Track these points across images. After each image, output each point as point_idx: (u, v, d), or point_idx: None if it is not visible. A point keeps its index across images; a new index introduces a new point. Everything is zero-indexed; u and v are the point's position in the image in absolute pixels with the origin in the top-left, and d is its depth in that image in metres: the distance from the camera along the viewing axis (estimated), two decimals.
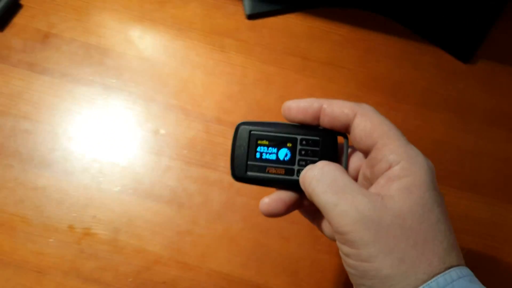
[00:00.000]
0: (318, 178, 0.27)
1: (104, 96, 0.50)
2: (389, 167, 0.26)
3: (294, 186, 0.30)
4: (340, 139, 0.31)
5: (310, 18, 0.54)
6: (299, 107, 0.30)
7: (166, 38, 0.52)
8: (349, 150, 0.31)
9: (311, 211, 0.33)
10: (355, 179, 0.31)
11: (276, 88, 0.52)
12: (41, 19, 0.52)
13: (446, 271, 0.24)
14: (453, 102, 0.53)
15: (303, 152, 0.30)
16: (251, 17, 0.53)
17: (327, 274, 0.46)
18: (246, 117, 0.51)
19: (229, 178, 0.46)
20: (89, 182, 0.48)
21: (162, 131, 0.50)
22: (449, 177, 0.51)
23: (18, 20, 0.52)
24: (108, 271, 0.46)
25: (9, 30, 0.51)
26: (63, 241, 0.47)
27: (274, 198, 0.31)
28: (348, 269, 0.26)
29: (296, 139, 0.30)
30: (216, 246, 0.47)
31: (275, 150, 0.30)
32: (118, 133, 0.49)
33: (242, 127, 0.31)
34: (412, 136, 0.49)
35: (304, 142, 0.30)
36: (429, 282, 0.24)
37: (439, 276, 0.24)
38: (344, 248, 0.26)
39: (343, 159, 0.31)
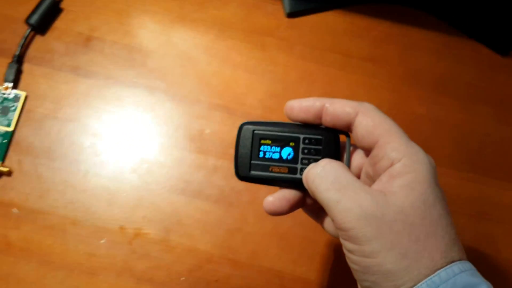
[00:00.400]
0: (321, 175, 0.28)
1: (149, 98, 0.51)
2: (391, 164, 0.27)
3: (297, 184, 0.31)
4: (343, 137, 0.32)
5: (349, 15, 0.55)
6: (301, 107, 0.30)
7: (207, 39, 0.53)
8: (351, 148, 0.32)
9: (315, 209, 0.34)
10: (358, 176, 0.31)
11: (319, 85, 0.53)
12: (82, 22, 0.53)
13: (448, 266, 0.25)
14: (494, 95, 0.54)
15: (306, 151, 0.31)
16: (291, 15, 0.54)
17: None
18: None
19: None
20: (137, 182, 0.48)
21: (208, 131, 0.50)
22: (493, 169, 0.51)
23: (59, 24, 0.52)
24: (161, 271, 0.47)
25: (51, 34, 0.52)
26: (114, 242, 0.47)
27: (277, 196, 0.31)
28: (351, 265, 0.27)
29: (299, 138, 0.31)
30: (266, 243, 0.48)
31: (278, 149, 0.31)
32: (164, 134, 0.50)
33: (246, 127, 0.31)
34: (456, 130, 0.50)
35: (306, 141, 0.31)
36: (431, 276, 0.24)
37: (441, 270, 0.25)
38: (347, 244, 0.26)
39: (346, 157, 0.31)
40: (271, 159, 0.31)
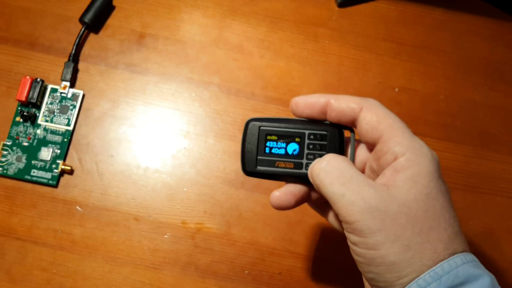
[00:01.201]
0: (326, 170, 0.28)
1: (204, 93, 0.51)
2: (395, 159, 0.27)
3: (303, 179, 0.31)
4: (347, 133, 0.32)
5: (401, 2, 0.55)
6: (306, 103, 0.31)
7: (259, 32, 0.54)
8: (356, 143, 0.32)
9: (320, 204, 0.34)
10: (362, 171, 0.32)
11: (374, 74, 0.53)
12: (135, 19, 0.53)
13: (451, 257, 0.25)
14: None
15: (311, 146, 0.31)
16: (342, 5, 0.54)
17: None
18: None
19: None
20: (196, 177, 0.49)
21: None
22: None
23: (112, 21, 0.53)
24: (224, 264, 0.47)
25: (104, 32, 0.53)
26: (177, 237, 0.48)
27: (284, 191, 0.32)
28: (355, 257, 0.28)
29: (304, 133, 0.31)
30: (327, 235, 0.48)
31: (284, 145, 0.32)
32: (221, 129, 0.50)
33: (252, 123, 0.32)
34: None
35: (312, 137, 0.31)
36: (434, 268, 0.25)
37: (444, 262, 0.25)
38: (351, 237, 0.27)
39: (350, 152, 0.32)
40: (277, 155, 0.32)
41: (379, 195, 0.26)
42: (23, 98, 0.48)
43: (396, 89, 0.53)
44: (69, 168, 0.48)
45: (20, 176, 0.48)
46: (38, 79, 0.49)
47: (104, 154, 0.50)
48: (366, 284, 0.30)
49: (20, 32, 0.52)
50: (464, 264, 0.25)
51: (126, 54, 0.52)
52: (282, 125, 0.32)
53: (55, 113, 0.50)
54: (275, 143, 0.32)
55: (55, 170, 0.48)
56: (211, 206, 0.49)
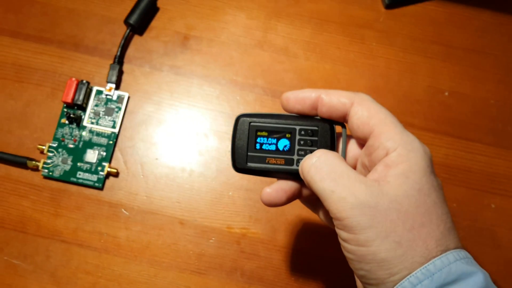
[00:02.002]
0: (316, 166, 0.28)
1: (249, 95, 0.51)
2: (386, 154, 0.27)
3: (294, 175, 0.31)
4: (339, 128, 0.32)
5: (449, 5, 0.54)
6: (297, 98, 0.31)
7: (304, 34, 0.53)
8: (347, 138, 0.32)
9: (312, 200, 0.34)
10: (354, 167, 0.32)
11: (422, 78, 0.52)
12: (179, 21, 0.53)
13: (443, 254, 0.25)
14: None
15: (302, 142, 0.31)
16: (389, 6, 0.53)
17: None
18: (394, 110, 0.51)
19: None
20: (242, 182, 0.49)
21: None
22: None
23: (156, 23, 0.54)
24: (270, 271, 0.47)
25: (149, 34, 0.53)
26: (223, 242, 0.48)
27: (275, 188, 0.31)
28: (346, 254, 0.27)
29: (295, 129, 0.31)
30: None
31: (274, 140, 0.31)
32: None
33: (242, 119, 0.32)
34: None
35: (302, 132, 0.31)
36: (426, 264, 0.25)
37: (436, 258, 0.25)
38: (342, 234, 0.27)
39: (342, 147, 0.32)
40: (267, 151, 0.32)
41: (370, 191, 0.26)
42: (69, 100, 0.49)
43: (446, 93, 0.52)
44: (115, 170, 0.48)
45: (66, 178, 0.48)
46: (84, 81, 0.49)
47: (149, 156, 0.50)
48: (358, 282, 0.30)
49: (64, 33, 0.53)
50: (457, 261, 0.25)
51: (171, 56, 0.53)
52: (273, 120, 0.32)
53: (101, 115, 0.50)
54: (265, 139, 0.32)
55: (101, 173, 0.48)
56: (256, 211, 0.49)
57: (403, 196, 0.26)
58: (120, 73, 0.51)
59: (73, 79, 0.49)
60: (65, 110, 0.50)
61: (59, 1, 0.54)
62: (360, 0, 0.54)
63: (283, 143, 0.32)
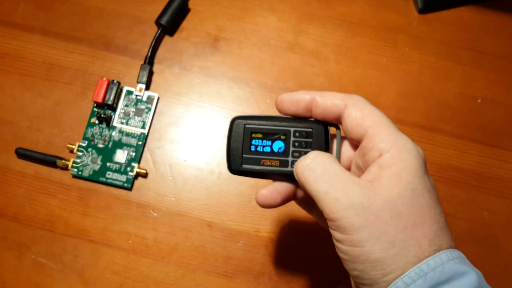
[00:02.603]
0: (310, 167, 0.29)
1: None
2: (380, 155, 0.28)
3: (288, 177, 0.31)
4: (334, 130, 0.32)
5: (483, 11, 0.54)
6: (291, 100, 0.31)
7: (336, 37, 0.53)
8: (342, 140, 0.33)
9: (307, 201, 0.34)
10: (348, 168, 0.32)
11: (455, 84, 0.52)
12: (210, 22, 0.54)
13: (436, 254, 0.25)
14: None
15: (296, 144, 0.31)
16: (422, 11, 0.53)
17: None
18: (426, 117, 0.51)
19: None
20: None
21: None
22: None
23: (187, 24, 0.54)
24: (298, 275, 0.47)
25: (179, 35, 0.53)
26: (250, 245, 0.48)
27: (270, 189, 0.32)
28: (340, 255, 0.28)
29: (290, 131, 0.32)
30: None
31: (269, 142, 0.32)
32: None
33: (237, 121, 0.32)
34: None
35: (297, 134, 0.32)
36: (419, 264, 0.25)
37: (429, 258, 0.25)
38: (336, 234, 0.27)
39: (336, 149, 0.32)
40: (262, 153, 0.32)
41: (363, 192, 0.26)
42: (100, 100, 0.49)
43: (479, 100, 0.52)
44: (144, 171, 0.49)
45: (95, 178, 0.49)
46: (115, 81, 0.50)
47: (178, 158, 0.50)
48: (353, 283, 0.30)
49: (95, 32, 0.53)
50: (450, 260, 0.25)
51: (201, 57, 0.53)
52: (268, 122, 0.32)
53: (131, 116, 0.50)
54: (260, 141, 0.32)
55: (130, 173, 0.49)
56: (284, 216, 0.49)
57: (396, 196, 0.26)
58: (150, 74, 0.52)
59: (104, 78, 0.49)
60: (96, 109, 0.50)
61: (90, 0, 0.54)
62: (393, 4, 0.54)
63: (278, 145, 0.32)
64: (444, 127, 0.51)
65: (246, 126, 0.32)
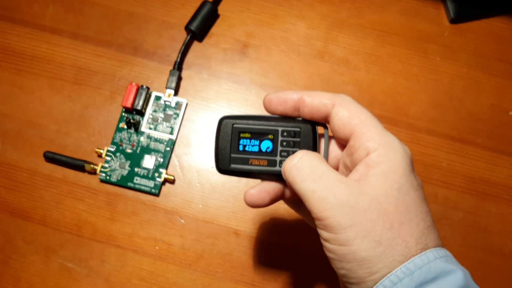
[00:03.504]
0: (297, 167, 0.29)
1: None
2: (367, 154, 0.28)
3: (277, 176, 0.32)
4: (322, 129, 0.33)
5: None
6: (279, 99, 0.31)
7: (366, 46, 0.53)
8: (330, 139, 0.33)
9: (295, 201, 0.34)
10: (336, 167, 0.33)
11: (487, 96, 0.52)
12: (239, 28, 0.54)
13: (423, 252, 0.26)
14: None
15: (284, 143, 0.32)
16: (454, 21, 0.53)
17: None
18: (457, 128, 0.51)
19: (443, 191, 0.46)
20: None
21: None
22: None
23: (216, 30, 0.54)
24: (327, 286, 0.47)
25: (208, 41, 0.54)
26: (277, 254, 0.48)
27: (258, 189, 0.32)
28: (328, 254, 0.28)
29: (278, 130, 0.32)
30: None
31: (257, 142, 0.32)
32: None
33: (225, 121, 0.32)
34: None
35: (285, 134, 0.32)
36: (406, 263, 0.25)
37: (416, 257, 0.26)
38: (323, 234, 0.27)
39: (324, 148, 0.33)
40: (250, 152, 0.32)
41: (350, 191, 0.27)
42: (129, 105, 0.49)
43: (510, 113, 0.51)
44: (172, 177, 0.49)
45: (123, 183, 0.49)
46: (144, 86, 0.50)
47: (205, 164, 0.50)
48: (341, 283, 0.30)
49: (124, 36, 0.54)
50: (436, 259, 0.26)
51: (229, 64, 0.53)
52: (256, 122, 0.32)
53: (159, 121, 0.50)
54: (248, 140, 0.32)
55: (158, 179, 0.49)
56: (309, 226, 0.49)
57: (383, 195, 0.27)
58: (179, 80, 0.52)
59: (133, 83, 0.50)
60: (125, 114, 0.50)
61: (119, 4, 0.54)
62: (425, 13, 0.54)
63: (266, 145, 0.32)
64: (475, 139, 0.51)
65: (234, 125, 0.32)
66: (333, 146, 0.33)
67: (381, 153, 0.28)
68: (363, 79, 0.52)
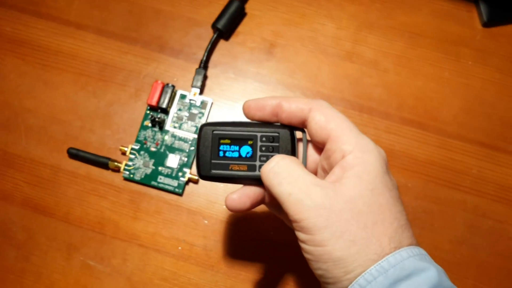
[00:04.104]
0: (275, 171, 0.30)
1: (337, 108, 0.51)
2: (343, 157, 0.29)
3: (257, 181, 0.32)
4: (301, 134, 0.34)
5: None
6: (257, 105, 0.33)
7: (396, 47, 0.52)
8: (309, 143, 0.34)
9: (276, 205, 0.34)
10: (315, 171, 0.34)
11: None
12: (266, 27, 0.53)
13: (397, 251, 0.27)
14: None
15: (263, 148, 0.33)
16: (487, 24, 0.52)
17: None
18: (488, 134, 0.50)
19: (472, 198, 0.45)
20: None
21: (398, 148, 0.50)
22: None
23: (243, 28, 0.54)
24: None
25: (234, 39, 0.53)
26: (303, 258, 0.47)
27: (239, 194, 0.33)
28: (305, 255, 0.29)
29: (256, 136, 0.33)
30: (462, 273, 0.47)
31: (237, 148, 0.33)
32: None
33: (205, 128, 0.33)
34: None
35: (264, 139, 0.33)
36: (380, 261, 0.26)
37: (389, 255, 0.26)
38: (300, 235, 0.29)
39: (302, 152, 0.34)
40: (231, 158, 0.33)
41: (325, 193, 0.28)
42: (154, 103, 0.49)
43: None
44: (196, 177, 0.49)
45: (147, 181, 0.49)
46: (170, 84, 0.50)
47: None
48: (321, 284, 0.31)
49: (150, 33, 0.53)
50: (410, 257, 0.27)
51: (256, 63, 0.53)
52: (235, 128, 0.33)
53: (184, 120, 0.50)
54: (228, 146, 0.33)
55: (182, 178, 0.49)
56: None
57: (357, 196, 0.27)
58: (205, 78, 0.51)
59: (159, 81, 0.50)
60: (150, 113, 0.50)
61: (145, 0, 0.54)
62: (457, 16, 0.53)
63: (246, 150, 0.33)
64: (506, 146, 0.50)
65: (214, 132, 0.33)
66: (312, 150, 0.34)
67: (356, 156, 0.29)
68: (392, 82, 0.51)
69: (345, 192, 0.28)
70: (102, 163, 0.49)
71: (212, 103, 0.51)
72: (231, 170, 0.33)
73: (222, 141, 0.33)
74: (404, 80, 0.52)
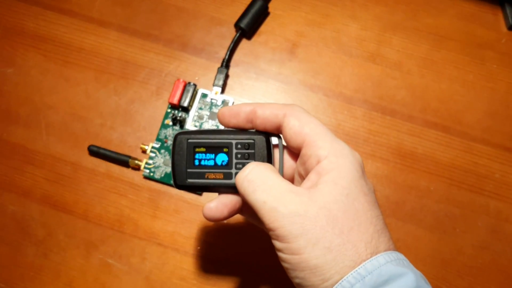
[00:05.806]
0: (249, 178, 0.30)
1: (358, 111, 0.51)
2: (318, 162, 0.29)
3: (233, 189, 0.32)
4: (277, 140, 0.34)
5: None
6: (232, 112, 0.32)
7: (421, 50, 0.52)
8: (284, 149, 0.34)
9: (252, 213, 0.34)
10: (292, 177, 0.33)
11: None
12: (289, 27, 0.54)
13: (373, 257, 0.26)
14: None
15: (239, 156, 0.33)
16: None
17: None
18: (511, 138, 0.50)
19: (495, 202, 0.45)
20: None
21: (420, 150, 0.50)
22: None
23: (266, 28, 0.54)
24: None
25: (257, 39, 0.54)
26: None
27: (215, 203, 0.32)
28: (282, 263, 0.29)
29: (232, 143, 0.33)
30: (484, 278, 0.47)
31: (212, 156, 0.33)
32: (374, 149, 0.50)
33: (180, 136, 0.33)
34: None
35: (239, 146, 0.33)
36: (357, 268, 0.26)
37: (366, 262, 0.26)
38: (276, 244, 0.28)
39: (279, 158, 0.33)
40: (206, 166, 0.33)
41: (299, 199, 0.27)
42: (176, 101, 0.50)
43: None
44: None
45: (167, 180, 0.49)
46: (191, 83, 0.50)
47: None
48: None
49: (173, 32, 0.54)
50: (387, 263, 0.26)
51: (278, 63, 0.53)
52: (210, 136, 0.33)
53: (204, 119, 0.50)
54: (203, 154, 0.33)
55: None
56: None
57: (332, 202, 0.27)
58: (226, 77, 0.52)
59: (181, 80, 0.50)
60: (171, 111, 0.50)
61: None
62: (483, 19, 0.53)
63: (221, 158, 0.33)
64: None
65: (189, 140, 0.33)
66: (288, 157, 0.34)
67: (331, 161, 0.28)
68: (417, 84, 0.51)
69: (320, 198, 0.27)
70: (123, 161, 0.49)
71: (233, 103, 0.51)
72: (207, 178, 0.33)
73: (197, 149, 0.33)
74: (428, 82, 0.52)
